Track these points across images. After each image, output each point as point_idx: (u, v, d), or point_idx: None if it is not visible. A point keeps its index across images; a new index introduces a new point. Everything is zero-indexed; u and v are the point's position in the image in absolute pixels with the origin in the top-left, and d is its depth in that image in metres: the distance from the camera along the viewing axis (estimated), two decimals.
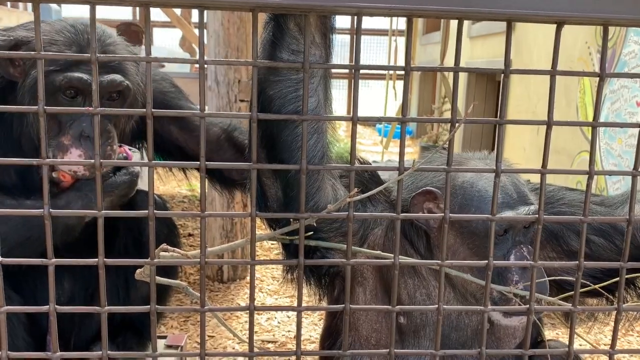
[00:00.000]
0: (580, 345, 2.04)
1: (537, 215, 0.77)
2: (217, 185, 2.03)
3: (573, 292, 0.81)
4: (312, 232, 1.14)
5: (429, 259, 1.35)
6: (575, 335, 0.85)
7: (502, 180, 1.29)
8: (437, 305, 0.78)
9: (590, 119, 0.78)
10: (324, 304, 1.46)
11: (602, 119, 3.30)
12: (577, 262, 0.80)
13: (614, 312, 0.83)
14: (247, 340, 0.78)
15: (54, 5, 6.78)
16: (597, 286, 1.09)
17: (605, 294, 1.31)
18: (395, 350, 0.77)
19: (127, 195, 1.68)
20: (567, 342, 0.83)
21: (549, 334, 2.34)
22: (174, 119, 1.89)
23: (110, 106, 1.61)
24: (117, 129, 1.66)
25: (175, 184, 5.23)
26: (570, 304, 0.83)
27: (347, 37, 10.09)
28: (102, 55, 0.70)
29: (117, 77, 1.61)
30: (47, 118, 1.56)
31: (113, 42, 1.67)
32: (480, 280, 1.16)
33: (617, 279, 1.06)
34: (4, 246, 1.45)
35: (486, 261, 0.78)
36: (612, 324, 1.41)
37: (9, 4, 5.94)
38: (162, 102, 1.85)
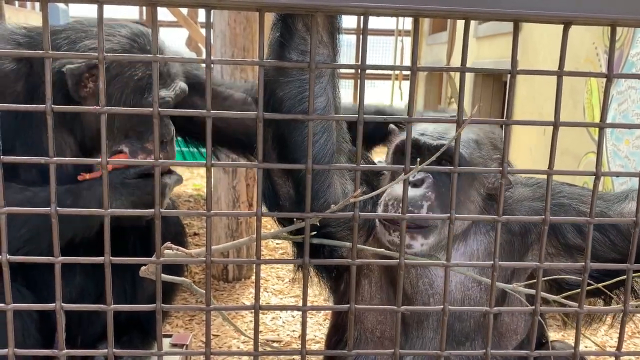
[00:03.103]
0: (586, 347, 2.03)
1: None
2: (248, 154, 2.05)
3: (574, 291, 0.81)
4: (318, 230, 1.15)
5: None
6: (582, 337, 0.85)
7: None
8: (442, 306, 0.78)
9: (597, 119, 0.78)
10: (330, 303, 1.46)
11: (609, 120, 3.28)
12: (583, 263, 0.80)
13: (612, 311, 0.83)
14: (253, 338, 0.78)
15: (61, 5, 6.81)
16: (600, 285, 1.09)
17: (608, 292, 1.30)
18: (400, 350, 0.77)
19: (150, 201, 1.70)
20: (572, 343, 0.83)
21: (554, 335, 2.33)
22: (196, 89, 1.90)
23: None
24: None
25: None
26: (570, 302, 0.82)
27: (354, 37, 10.09)
28: (109, 54, 0.70)
29: (183, 85, 1.75)
30: (128, 127, 1.66)
31: (165, 48, 1.79)
32: (486, 279, 1.16)
33: (619, 278, 1.06)
34: (19, 238, 1.48)
35: (491, 262, 0.78)
36: (609, 321, 1.40)
37: (17, 3, 5.97)
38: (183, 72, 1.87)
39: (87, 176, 1.62)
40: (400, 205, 1.07)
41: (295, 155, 1.11)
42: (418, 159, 0.87)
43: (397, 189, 1.22)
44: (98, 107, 0.70)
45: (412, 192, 1.21)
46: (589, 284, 1.08)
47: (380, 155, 2.10)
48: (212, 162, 0.73)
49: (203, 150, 2.06)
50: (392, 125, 1.44)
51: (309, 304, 0.79)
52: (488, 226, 1.37)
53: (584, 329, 1.41)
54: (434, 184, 1.24)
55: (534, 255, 1.38)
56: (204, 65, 0.71)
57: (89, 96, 1.64)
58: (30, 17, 4.93)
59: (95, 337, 1.84)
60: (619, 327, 0.84)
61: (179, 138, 1.98)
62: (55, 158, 0.71)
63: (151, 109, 0.71)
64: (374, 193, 0.89)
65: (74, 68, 1.61)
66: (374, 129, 1.67)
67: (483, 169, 1.32)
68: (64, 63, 1.61)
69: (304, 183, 1.15)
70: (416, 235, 1.23)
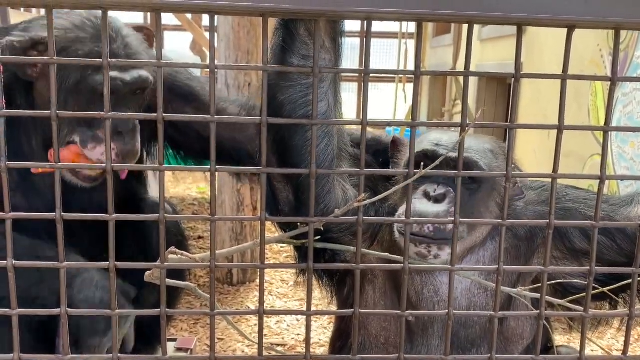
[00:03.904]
0: (593, 350, 2.02)
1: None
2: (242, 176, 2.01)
3: (579, 295, 0.80)
4: (321, 235, 1.15)
5: None
6: (587, 341, 0.84)
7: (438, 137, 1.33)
8: (447, 311, 0.78)
9: (602, 122, 0.77)
10: (334, 306, 1.46)
11: (614, 122, 3.27)
12: (589, 267, 0.79)
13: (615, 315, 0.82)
14: (257, 342, 0.78)
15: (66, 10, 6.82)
16: (606, 289, 1.08)
17: (614, 296, 1.29)
18: (405, 355, 0.77)
19: None
20: (577, 347, 0.82)
21: (560, 338, 2.32)
22: (189, 101, 1.84)
23: (133, 100, 1.63)
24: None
25: (185, 186, 5.26)
26: (576, 307, 0.82)
27: (357, 40, 10.09)
28: (113, 60, 0.71)
29: (143, 73, 1.61)
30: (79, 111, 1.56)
31: (129, 34, 1.67)
32: (491, 283, 1.16)
33: (624, 282, 1.05)
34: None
35: (496, 266, 0.78)
36: (617, 324, 1.39)
37: (22, 8, 5.99)
38: (172, 83, 1.80)
39: (40, 170, 1.53)
40: (423, 223, 1.09)
41: (295, 159, 1.10)
42: (421, 164, 0.87)
43: (417, 204, 1.22)
44: (102, 113, 0.70)
45: (435, 207, 1.21)
46: (594, 288, 1.07)
47: None
48: (216, 166, 0.73)
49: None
50: (396, 135, 1.44)
51: (313, 308, 0.78)
52: (494, 232, 1.37)
53: (590, 332, 1.40)
54: (456, 199, 1.23)
55: (539, 260, 1.38)
56: (207, 69, 0.71)
57: (40, 76, 1.52)
58: None
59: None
60: (625, 331, 0.84)
61: (166, 149, 1.94)
62: (60, 164, 0.71)
63: (155, 114, 0.71)
64: (378, 197, 0.89)
65: (16, 41, 1.45)
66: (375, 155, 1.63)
67: (488, 173, 1.31)
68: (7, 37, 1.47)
69: (302, 188, 1.16)
70: (443, 246, 1.23)
